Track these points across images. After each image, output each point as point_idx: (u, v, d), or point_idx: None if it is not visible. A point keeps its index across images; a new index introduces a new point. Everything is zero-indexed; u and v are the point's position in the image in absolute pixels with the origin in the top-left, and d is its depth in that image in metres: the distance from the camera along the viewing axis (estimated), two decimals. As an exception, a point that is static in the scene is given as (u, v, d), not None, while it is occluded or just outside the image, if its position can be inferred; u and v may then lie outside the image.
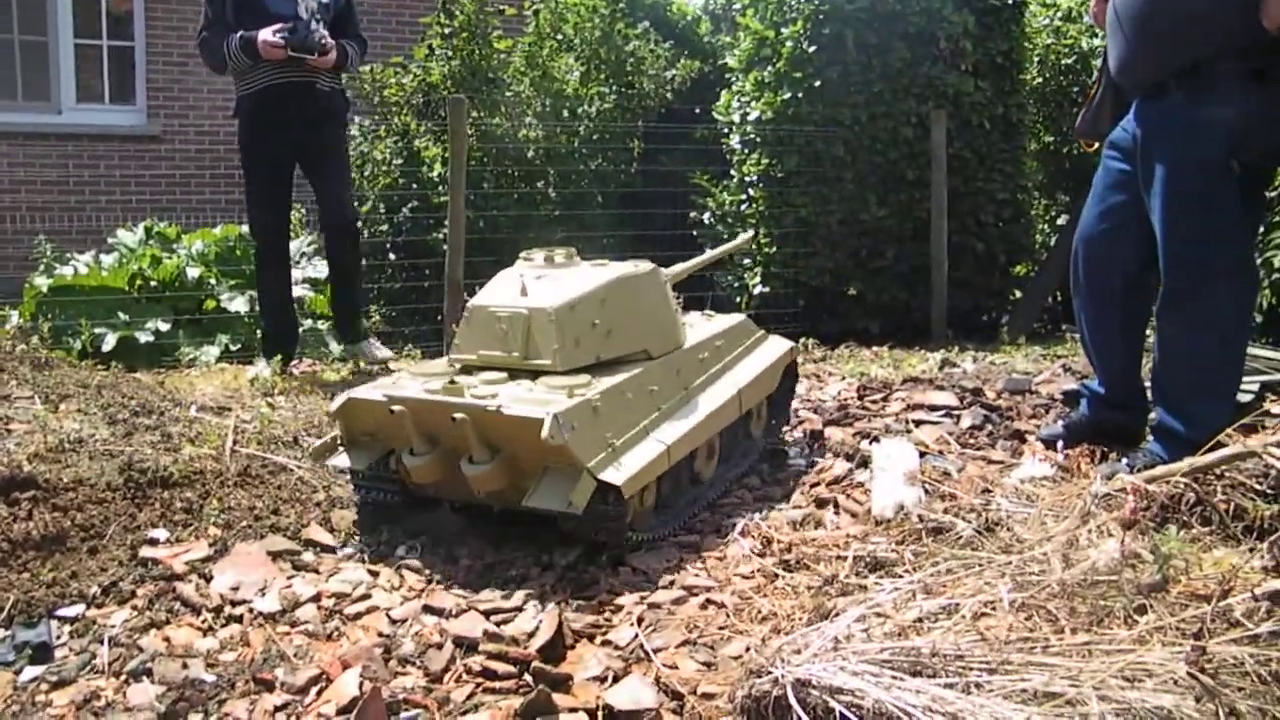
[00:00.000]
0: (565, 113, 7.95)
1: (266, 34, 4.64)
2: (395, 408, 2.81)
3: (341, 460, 3.06)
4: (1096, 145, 3.67)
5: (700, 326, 3.68)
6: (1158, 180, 3.21)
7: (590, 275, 3.16)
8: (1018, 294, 8.32)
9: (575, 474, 2.66)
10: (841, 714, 1.78)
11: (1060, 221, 8.93)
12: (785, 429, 4.00)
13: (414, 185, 7.57)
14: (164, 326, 6.09)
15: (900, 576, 2.47)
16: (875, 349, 6.16)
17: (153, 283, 6.42)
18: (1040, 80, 8.72)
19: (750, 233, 5.02)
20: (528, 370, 2.98)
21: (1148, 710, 1.67)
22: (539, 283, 3.08)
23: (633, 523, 2.86)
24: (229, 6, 4.76)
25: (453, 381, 2.87)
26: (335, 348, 6.33)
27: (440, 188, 7.21)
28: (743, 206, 7.58)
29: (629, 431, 2.87)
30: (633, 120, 8.19)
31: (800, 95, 7.26)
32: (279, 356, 5.10)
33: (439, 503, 3.15)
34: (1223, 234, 3.14)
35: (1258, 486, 2.51)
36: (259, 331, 5.41)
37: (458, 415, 2.70)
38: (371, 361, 5.26)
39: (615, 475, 2.69)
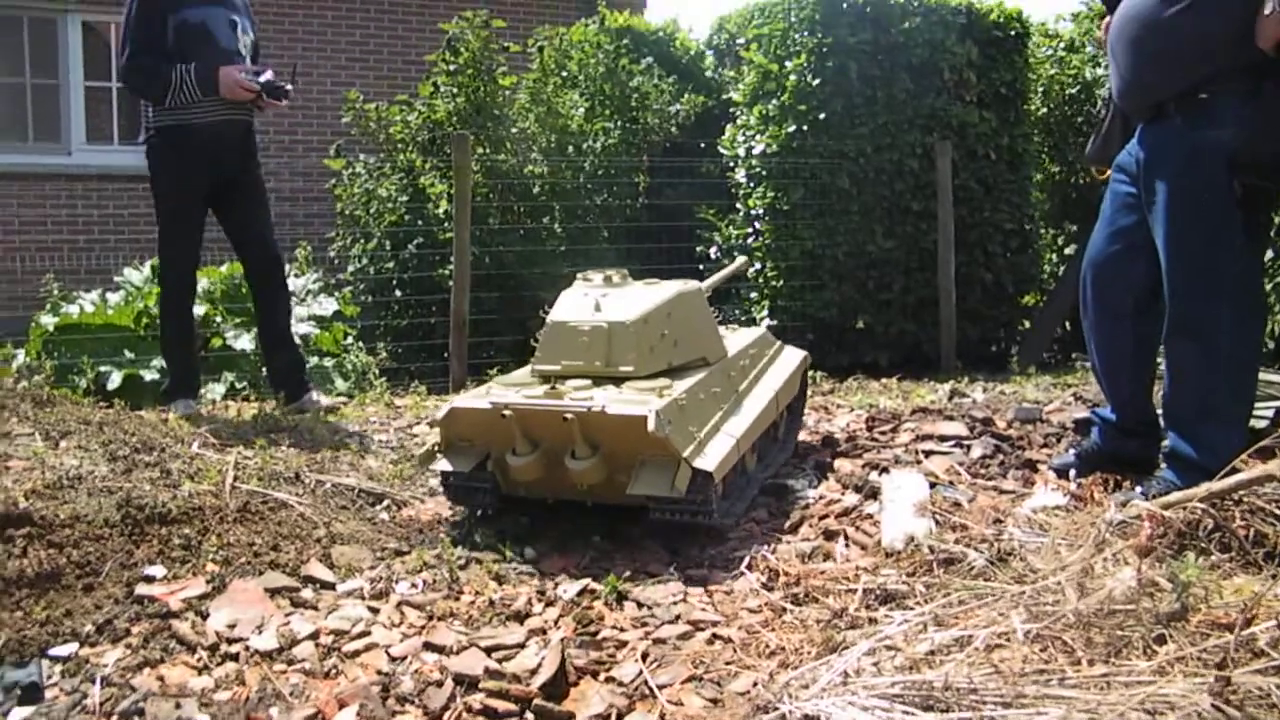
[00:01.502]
0: (570, 148, 7.96)
1: (234, 73, 4.58)
2: (505, 412, 3.08)
3: (442, 465, 3.31)
4: (1108, 172, 3.64)
5: (731, 338, 4.03)
6: (1160, 203, 3.19)
7: (653, 292, 3.52)
8: (1026, 324, 8.27)
9: (670, 464, 3.00)
10: (851, 750, 1.72)
11: (1068, 251, 8.90)
12: (794, 460, 3.97)
13: (419, 222, 7.57)
14: (170, 364, 6.06)
15: (911, 609, 2.41)
16: (884, 381, 6.11)
17: (159, 321, 6.39)
18: (1044, 110, 8.72)
19: (745, 258, 5.15)
20: (610, 377, 3.30)
21: (1170, 744, 1.61)
22: (608, 300, 3.42)
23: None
24: (169, 33, 4.59)
25: (553, 388, 3.16)
26: (341, 384, 6.31)
27: (446, 224, 7.21)
28: (749, 240, 7.56)
29: (705, 427, 3.21)
30: (638, 155, 8.19)
31: (805, 128, 7.27)
32: (194, 398, 5.01)
33: (443, 535, 3.15)
34: (1226, 256, 3.11)
35: (1278, 511, 2.45)
36: (169, 376, 5.10)
37: (568, 415, 2.99)
38: (318, 412, 4.94)
39: (706, 463, 3.02)
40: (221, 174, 4.81)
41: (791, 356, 4.24)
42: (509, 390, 3.28)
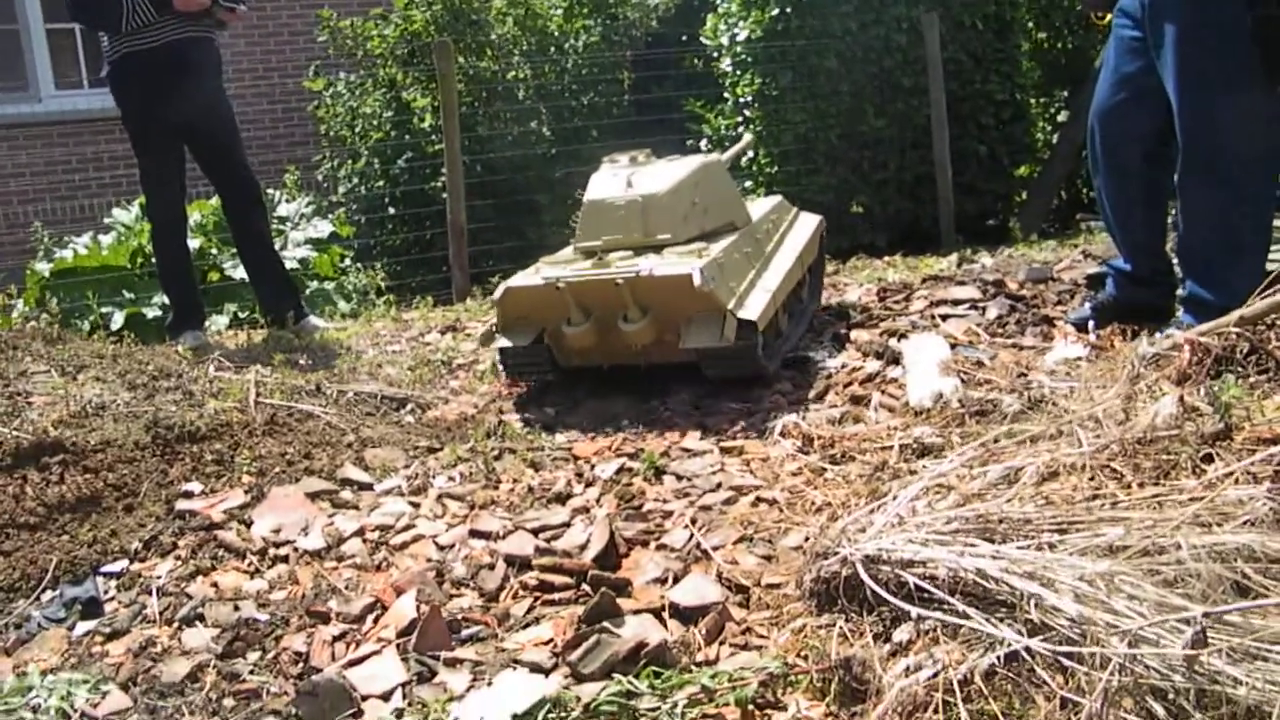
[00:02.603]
0: (552, 49, 7.82)
1: None
2: (560, 285, 3.29)
3: (502, 342, 3.53)
4: (1108, 17, 3.57)
5: (752, 206, 4.18)
6: (1169, 41, 3.11)
7: (679, 165, 3.73)
8: (1023, 195, 8.21)
9: (717, 316, 3.20)
10: (916, 585, 1.74)
11: (1061, 119, 8.80)
12: (810, 333, 3.98)
13: (406, 136, 7.46)
14: (170, 299, 6.02)
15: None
16: (888, 258, 6.08)
17: (154, 258, 6.33)
18: (1029, -25, 8.56)
19: (750, 135, 5.21)
20: (650, 246, 3.48)
21: (1232, 550, 1.62)
22: (638, 176, 3.60)
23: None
24: None
25: (600, 259, 3.39)
26: (344, 305, 6.28)
27: (434, 136, 7.11)
28: (739, 129, 7.46)
29: (743, 283, 3.42)
30: (620, 52, 8.05)
31: (789, 10, 7.13)
32: (200, 329, 4.94)
33: (472, 431, 3.18)
34: (1240, 93, 3.05)
35: (1313, 331, 2.45)
36: (172, 310, 5.03)
37: (619, 281, 3.21)
38: (319, 334, 4.89)
39: (749, 313, 3.23)
40: (191, 99, 4.62)
41: (809, 220, 4.43)
42: (557, 267, 3.47)
